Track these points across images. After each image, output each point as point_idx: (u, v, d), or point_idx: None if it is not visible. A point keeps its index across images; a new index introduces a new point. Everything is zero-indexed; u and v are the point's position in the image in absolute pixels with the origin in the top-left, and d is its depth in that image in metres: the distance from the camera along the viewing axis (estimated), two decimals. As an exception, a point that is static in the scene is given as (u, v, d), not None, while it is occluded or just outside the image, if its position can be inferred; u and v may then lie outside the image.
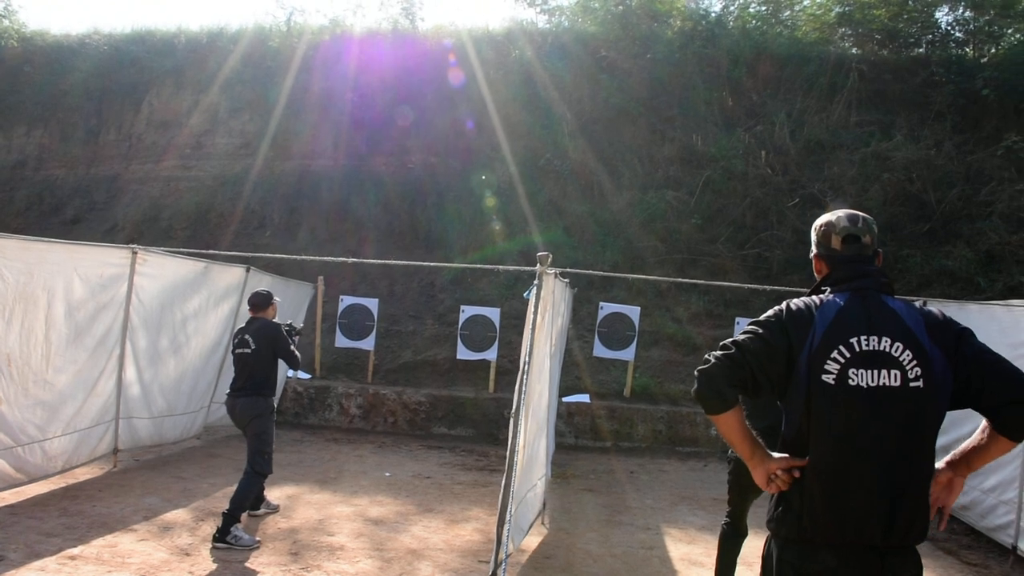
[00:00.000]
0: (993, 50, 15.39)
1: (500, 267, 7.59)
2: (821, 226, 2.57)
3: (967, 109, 14.23)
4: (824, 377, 2.27)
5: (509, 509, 4.73)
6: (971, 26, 15.99)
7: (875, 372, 2.26)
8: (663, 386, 10.68)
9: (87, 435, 6.85)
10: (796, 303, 2.43)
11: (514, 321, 11.70)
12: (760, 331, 2.36)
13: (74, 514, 5.89)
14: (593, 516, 6.87)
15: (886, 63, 15.19)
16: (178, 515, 6.09)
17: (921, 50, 15.92)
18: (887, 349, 2.28)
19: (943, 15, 16.06)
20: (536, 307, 4.67)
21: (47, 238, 6.68)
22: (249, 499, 5.68)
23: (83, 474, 6.96)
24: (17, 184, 15.07)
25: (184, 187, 14.54)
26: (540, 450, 5.99)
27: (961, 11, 16.03)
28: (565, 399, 9.96)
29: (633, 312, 10.48)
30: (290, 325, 6.38)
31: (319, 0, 30.20)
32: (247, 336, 5.99)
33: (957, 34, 15.94)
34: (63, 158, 15.25)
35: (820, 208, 13.28)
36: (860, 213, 2.56)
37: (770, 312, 2.43)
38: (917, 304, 2.41)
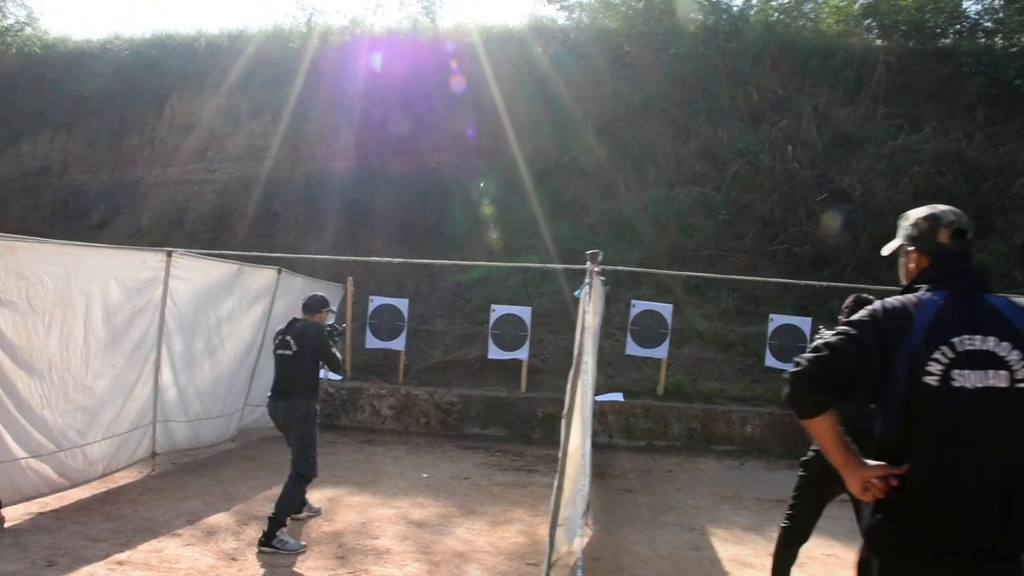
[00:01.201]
0: (1022, 38, 15.11)
1: (550, 265, 7.52)
2: (923, 219, 2.48)
3: (998, 100, 14.01)
4: (926, 379, 2.18)
5: (562, 511, 4.64)
6: (1000, 15, 15.76)
7: (981, 373, 2.16)
8: (696, 384, 10.56)
9: (126, 439, 6.81)
10: (891, 302, 2.34)
11: (543, 319, 11.63)
12: (852, 331, 2.29)
13: (118, 519, 5.85)
14: (636, 516, 6.77)
15: (913, 55, 14.99)
16: (220, 519, 6.04)
17: (948, 41, 15.71)
18: (993, 349, 2.18)
19: (971, 4, 15.88)
20: (587, 306, 4.58)
21: (82, 242, 6.67)
22: (295, 503, 5.62)
23: (122, 478, 6.93)
24: (43, 190, 15.13)
25: (207, 189, 14.55)
26: (587, 450, 5.90)
27: (989, 0, 15.82)
28: (598, 398, 9.85)
29: (665, 310, 10.37)
30: (332, 327, 6.29)
31: (339, 0, 30.27)
32: (288, 337, 5.91)
33: (986, 24, 15.72)
34: (87, 163, 15.29)
35: (849, 203, 13.14)
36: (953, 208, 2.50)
37: (863, 312, 2.35)
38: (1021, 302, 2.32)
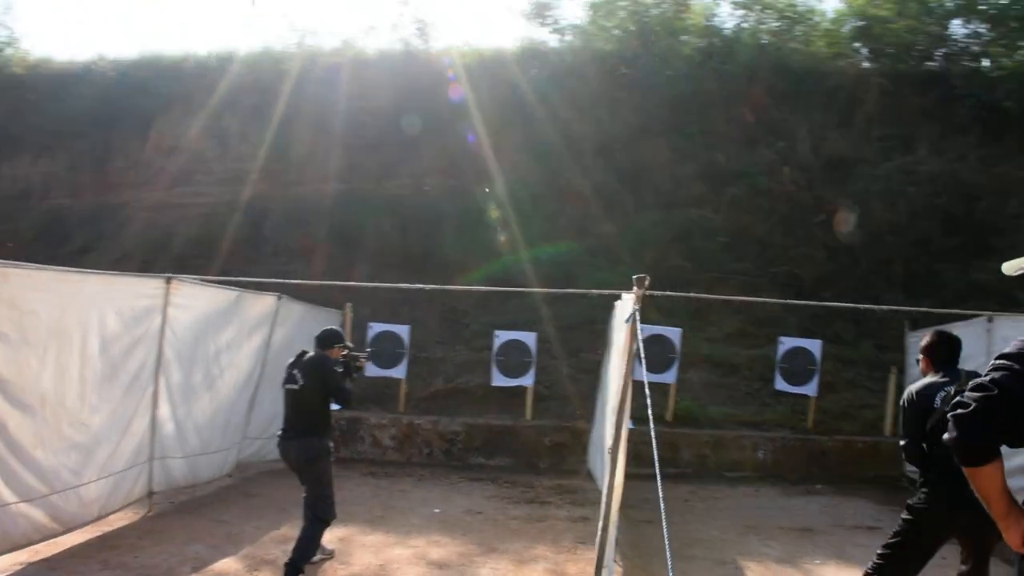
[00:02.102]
0: (1007, 61, 15.19)
1: (593, 291, 7.18)
2: None
3: (989, 122, 14.06)
4: None
5: (608, 554, 4.36)
6: (985, 38, 15.88)
7: None
8: (705, 409, 10.32)
9: (122, 478, 6.41)
10: None
11: (545, 345, 11.33)
12: (1016, 366, 2.02)
13: (116, 567, 5.45)
14: (662, 549, 6.44)
15: (904, 77, 15.03)
16: (228, 564, 5.66)
17: (935, 64, 15.79)
18: None
19: (958, 28, 15.97)
20: (639, 333, 4.32)
21: (77, 269, 6.32)
22: (313, 548, 5.26)
23: (118, 520, 6.51)
24: (23, 214, 14.62)
25: (195, 214, 14.14)
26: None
27: (975, 24, 15.92)
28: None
29: (674, 333, 10.14)
30: (352, 356, 5.89)
31: (331, 22, 30.02)
32: (295, 371, 5.55)
33: (973, 47, 15.82)
34: (70, 187, 14.83)
35: (848, 223, 13.07)
36: None
37: (1020, 343, 2.08)
38: None
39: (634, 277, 4.33)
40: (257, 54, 15.55)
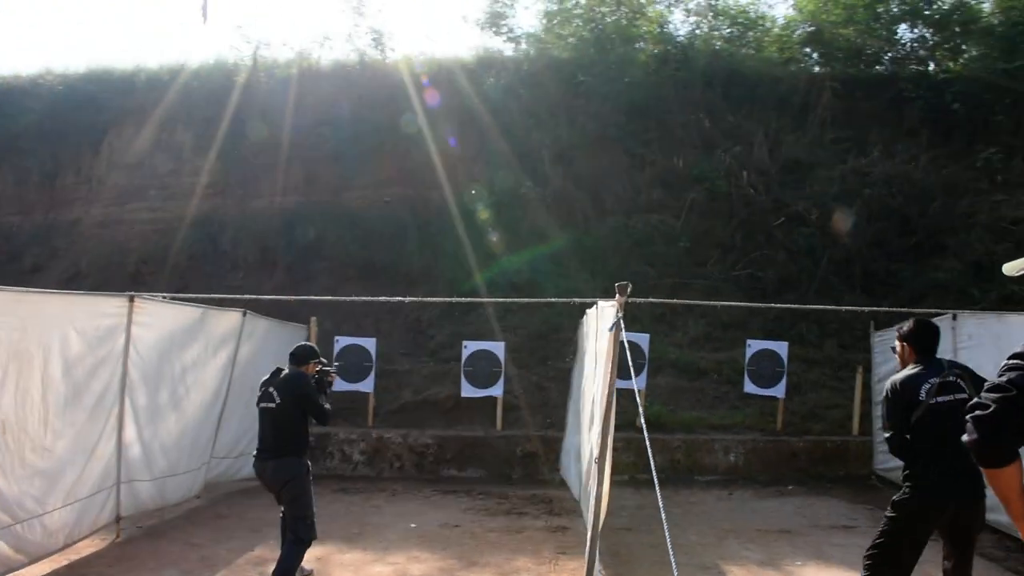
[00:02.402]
0: (951, 65, 15.63)
1: (576, 300, 7.14)
2: None
3: (937, 124, 14.44)
4: None
5: (597, 567, 4.32)
6: (930, 43, 16.34)
7: None
8: (676, 413, 10.38)
9: (88, 504, 6.19)
10: None
11: (512, 355, 11.29)
12: None
13: (86, 597, 5.26)
14: (644, 557, 6.47)
15: (856, 81, 15.36)
16: (204, 589, 5.50)
17: (883, 68, 16.17)
18: None
19: (904, 32, 16.40)
20: (614, 341, 4.31)
21: (37, 289, 6.11)
22: (293, 570, 5.11)
23: (85, 548, 6.27)
24: (-33, 233, 14.15)
25: (150, 230, 13.81)
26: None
27: (920, 29, 16.37)
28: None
29: (642, 339, 10.18)
30: (321, 371, 5.75)
31: (285, 33, 29.51)
32: (271, 389, 5.40)
33: (920, 52, 16.26)
34: (18, 204, 14.35)
35: (806, 226, 13.30)
36: None
37: None
38: None
39: (616, 285, 4.31)
40: (210, 66, 15.24)
